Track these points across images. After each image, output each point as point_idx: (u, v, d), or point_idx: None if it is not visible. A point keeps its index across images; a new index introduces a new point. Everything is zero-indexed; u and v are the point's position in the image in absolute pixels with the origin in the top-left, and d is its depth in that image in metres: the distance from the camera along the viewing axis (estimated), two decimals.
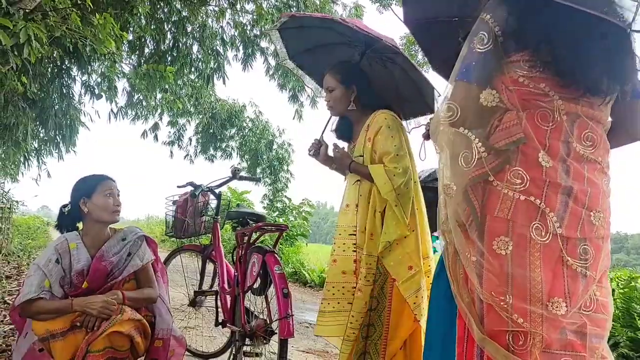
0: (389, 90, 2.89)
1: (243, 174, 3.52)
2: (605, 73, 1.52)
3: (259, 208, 13.26)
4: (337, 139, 2.84)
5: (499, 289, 1.46)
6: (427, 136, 2.55)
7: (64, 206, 2.48)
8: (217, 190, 3.43)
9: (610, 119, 1.64)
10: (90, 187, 2.42)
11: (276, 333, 2.58)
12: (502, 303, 1.45)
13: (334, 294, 2.51)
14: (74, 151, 9.78)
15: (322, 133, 2.74)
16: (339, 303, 2.48)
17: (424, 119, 2.90)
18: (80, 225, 2.47)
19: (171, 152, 14.50)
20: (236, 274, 3.01)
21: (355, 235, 2.52)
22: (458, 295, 1.58)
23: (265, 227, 2.85)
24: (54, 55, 6.51)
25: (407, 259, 2.44)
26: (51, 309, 2.19)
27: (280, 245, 10.08)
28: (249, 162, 14.83)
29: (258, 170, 14.77)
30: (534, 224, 1.45)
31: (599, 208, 1.51)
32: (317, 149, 2.75)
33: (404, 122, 2.81)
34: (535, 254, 1.44)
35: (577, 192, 1.47)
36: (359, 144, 2.63)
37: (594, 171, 1.54)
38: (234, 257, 3.04)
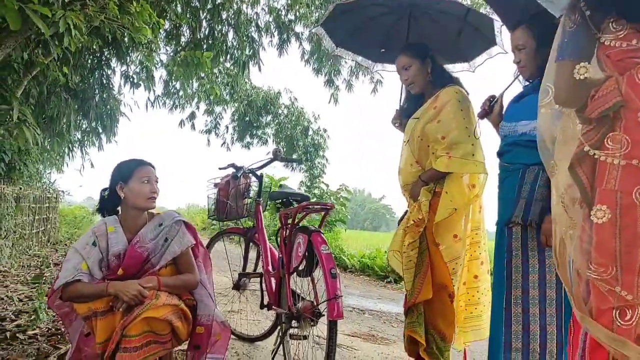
0: (447, 43, 3.00)
1: (283, 155, 3.46)
2: None
3: None
4: (405, 117, 2.92)
5: (603, 260, 1.40)
6: (482, 115, 2.59)
7: (104, 190, 2.45)
8: (258, 172, 3.37)
9: None
10: (127, 172, 2.37)
11: (323, 315, 2.52)
12: (605, 275, 1.38)
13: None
14: (115, 141, 9.97)
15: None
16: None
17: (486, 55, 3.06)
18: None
19: (208, 140, 14.70)
20: (280, 255, 2.96)
21: None
22: (563, 278, 1.56)
23: (310, 207, 2.78)
24: (94, 46, 6.60)
25: (453, 228, 2.60)
26: (87, 293, 2.17)
27: None
28: (284, 149, 14.83)
29: (294, 157, 14.77)
30: (638, 189, 1.36)
31: None
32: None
33: (467, 63, 3.12)
34: None
35: None
36: (423, 109, 2.73)
37: None
38: (278, 239, 2.99)
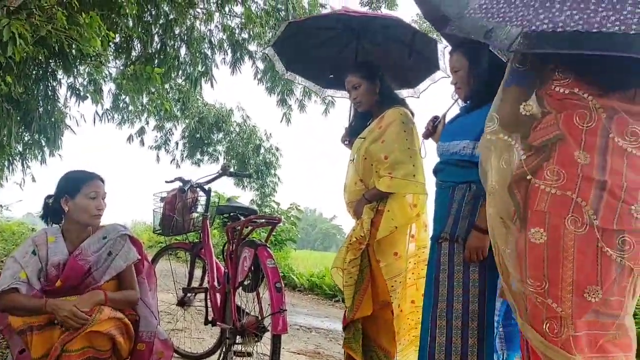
0: (393, 69, 3.08)
1: (232, 170, 3.46)
2: (625, 67, 1.55)
3: None
4: (353, 136, 2.96)
5: (537, 276, 1.56)
6: (426, 135, 2.70)
7: (49, 197, 2.38)
8: (206, 187, 3.34)
9: None
10: (74, 186, 2.30)
11: (268, 330, 2.52)
12: (539, 289, 1.55)
13: None
14: (59, 155, 9.62)
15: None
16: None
17: (430, 80, 3.18)
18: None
19: (158, 156, 14.41)
20: (226, 270, 2.94)
21: None
22: (506, 286, 1.70)
23: (257, 221, 2.79)
24: (39, 56, 6.40)
25: (395, 245, 2.65)
26: (25, 307, 2.11)
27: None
28: (235, 167, 14.72)
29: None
30: (569, 216, 1.53)
31: None
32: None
33: (412, 89, 3.21)
34: (569, 243, 1.52)
35: (612, 186, 1.52)
36: (369, 129, 2.79)
37: (637, 166, 1.57)
38: (224, 254, 2.97)
